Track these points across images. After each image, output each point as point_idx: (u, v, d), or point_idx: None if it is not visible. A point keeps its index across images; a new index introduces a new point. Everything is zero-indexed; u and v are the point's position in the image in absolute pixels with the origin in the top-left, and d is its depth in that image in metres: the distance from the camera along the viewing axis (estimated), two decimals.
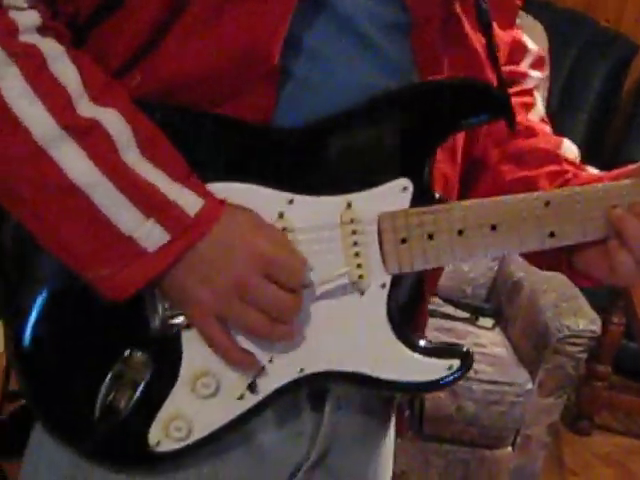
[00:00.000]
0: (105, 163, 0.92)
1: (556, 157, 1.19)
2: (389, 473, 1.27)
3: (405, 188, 1.01)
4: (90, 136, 0.92)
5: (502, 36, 1.18)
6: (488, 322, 3.16)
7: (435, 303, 3.14)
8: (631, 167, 1.11)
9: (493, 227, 1.04)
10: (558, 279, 3.14)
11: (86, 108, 0.93)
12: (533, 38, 1.29)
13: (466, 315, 3.12)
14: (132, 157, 0.93)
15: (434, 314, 3.04)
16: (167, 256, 0.93)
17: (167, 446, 1.00)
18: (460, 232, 1.03)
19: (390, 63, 1.03)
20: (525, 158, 1.19)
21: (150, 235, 0.92)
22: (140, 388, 0.99)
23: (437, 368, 1.04)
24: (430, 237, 1.02)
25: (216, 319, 0.96)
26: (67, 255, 0.94)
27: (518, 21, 1.25)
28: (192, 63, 0.96)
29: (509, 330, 3.15)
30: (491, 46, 1.10)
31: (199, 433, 1.00)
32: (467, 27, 1.08)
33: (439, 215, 1.02)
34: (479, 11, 1.08)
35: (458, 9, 1.06)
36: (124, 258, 0.92)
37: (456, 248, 1.03)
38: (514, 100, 1.18)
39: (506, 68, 1.20)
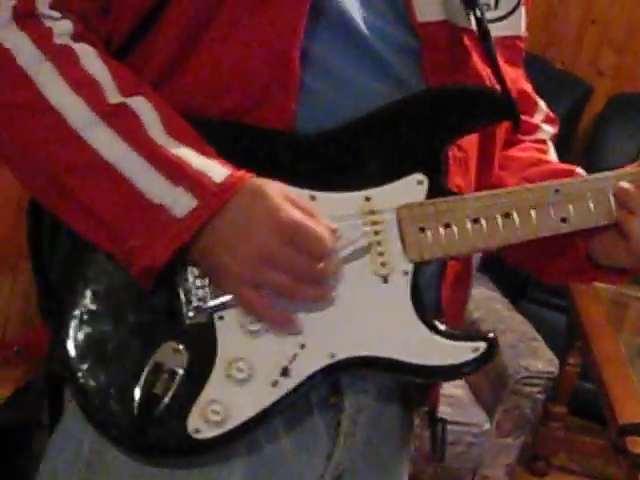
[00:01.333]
0: (134, 140, 0.99)
1: (569, 172, 1.24)
2: None
3: (420, 182, 1.07)
4: (119, 118, 1.00)
5: (508, 71, 1.22)
6: None
7: None
8: (629, 166, 1.19)
9: (506, 215, 1.10)
10: (516, 320, 3.16)
11: (115, 98, 1.01)
12: None
13: None
14: (159, 134, 1.00)
15: None
16: (195, 221, 0.97)
17: (206, 433, 1.02)
18: (475, 220, 1.09)
19: (403, 83, 1.10)
20: (539, 179, 1.23)
21: (179, 202, 0.97)
22: (178, 377, 1.02)
23: (464, 350, 1.08)
24: (447, 226, 1.08)
25: (249, 285, 0.99)
26: (101, 232, 1.00)
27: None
28: (212, 79, 1.04)
29: None
30: (498, 74, 1.14)
31: (236, 419, 1.02)
32: (474, 56, 1.14)
33: (454, 204, 1.08)
34: (485, 43, 1.13)
35: (465, 39, 1.13)
36: (155, 225, 0.98)
37: (472, 236, 1.09)
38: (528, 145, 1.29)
39: None
